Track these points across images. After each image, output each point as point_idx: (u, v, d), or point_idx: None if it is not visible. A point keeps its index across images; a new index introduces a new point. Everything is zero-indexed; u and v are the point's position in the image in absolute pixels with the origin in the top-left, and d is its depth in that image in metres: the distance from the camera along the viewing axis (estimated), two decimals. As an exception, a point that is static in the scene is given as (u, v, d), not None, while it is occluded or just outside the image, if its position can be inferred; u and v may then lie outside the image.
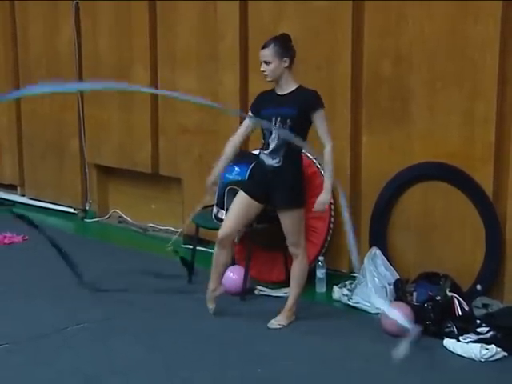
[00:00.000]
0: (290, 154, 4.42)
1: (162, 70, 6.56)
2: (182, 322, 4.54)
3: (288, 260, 5.26)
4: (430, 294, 4.49)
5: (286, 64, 4.38)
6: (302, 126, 4.39)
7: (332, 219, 5.37)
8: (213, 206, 5.33)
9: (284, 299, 4.72)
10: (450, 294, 4.47)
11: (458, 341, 4.19)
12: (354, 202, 5.41)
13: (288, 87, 4.43)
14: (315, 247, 5.34)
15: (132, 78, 6.77)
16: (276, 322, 4.58)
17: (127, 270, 5.53)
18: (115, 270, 5.50)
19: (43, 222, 7.47)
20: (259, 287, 5.22)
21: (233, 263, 5.46)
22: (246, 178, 4.95)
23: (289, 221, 4.48)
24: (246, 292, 5.08)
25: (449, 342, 4.22)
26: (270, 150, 4.43)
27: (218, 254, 4.59)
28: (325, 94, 5.40)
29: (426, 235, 5.05)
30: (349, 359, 4.15)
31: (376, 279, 4.84)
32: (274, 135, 4.41)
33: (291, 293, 4.65)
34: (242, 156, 5.17)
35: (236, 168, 5.19)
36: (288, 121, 4.36)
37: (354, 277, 5.10)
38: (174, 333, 4.42)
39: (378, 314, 4.66)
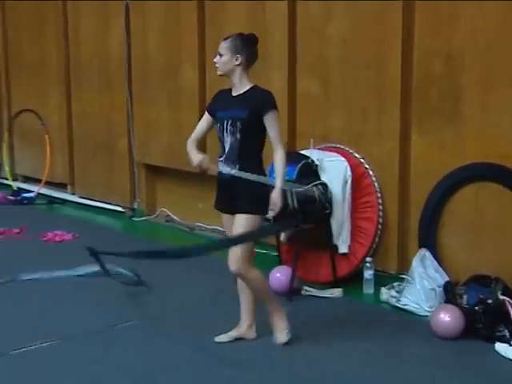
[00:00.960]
0: (247, 159, 4.17)
1: (211, 70, 6.56)
2: (230, 321, 4.53)
3: (335, 260, 5.25)
4: (481, 296, 4.41)
5: (238, 62, 4.16)
6: (253, 129, 4.15)
7: (380, 220, 5.33)
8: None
9: (331, 300, 4.68)
10: (501, 297, 4.38)
11: (511, 345, 4.12)
12: (402, 203, 5.35)
13: (242, 88, 4.22)
14: (363, 248, 5.30)
15: (181, 77, 6.81)
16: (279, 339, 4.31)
17: (175, 269, 5.56)
18: (163, 269, 5.52)
19: (92, 220, 7.61)
20: (306, 287, 5.20)
21: (280, 263, 5.46)
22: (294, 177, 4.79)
23: (239, 226, 4.11)
24: (293, 292, 5.07)
25: (500, 347, 4.15)
26: (225, 157, 4.22)
27: (238, 283, 4.32)
28: (374, 93, 5.41)
29: (477, 237, 4.97)
30: (397, 362, 4.09)
31: (425, 281, 4.77)
32: (226, 140, 4.23)
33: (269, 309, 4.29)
34: (289, 156, 5.12)
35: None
36: (238, 124, 4.15)
37: (403, 278, 5.04)
38: (222, 332, 4.41)
39: (427, 316, 4.61)
